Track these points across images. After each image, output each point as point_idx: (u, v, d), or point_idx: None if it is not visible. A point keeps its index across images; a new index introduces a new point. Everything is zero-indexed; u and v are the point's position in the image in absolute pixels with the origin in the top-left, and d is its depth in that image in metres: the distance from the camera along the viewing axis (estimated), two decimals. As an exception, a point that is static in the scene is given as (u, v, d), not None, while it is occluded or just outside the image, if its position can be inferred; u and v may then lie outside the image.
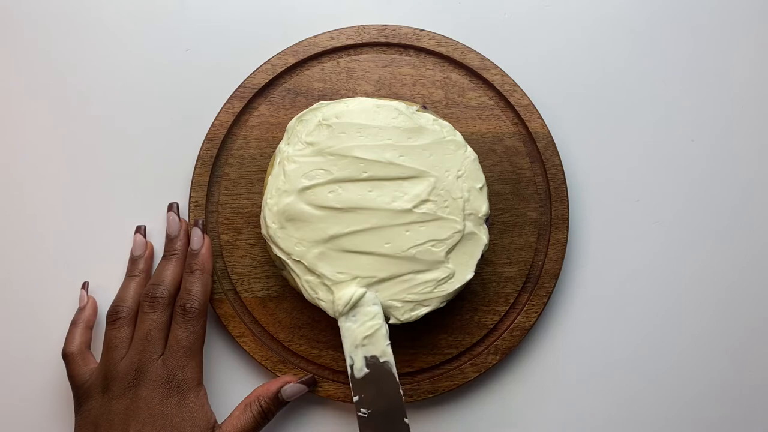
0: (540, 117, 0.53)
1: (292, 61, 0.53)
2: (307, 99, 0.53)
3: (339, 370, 0.52)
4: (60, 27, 0.55)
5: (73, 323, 0.51)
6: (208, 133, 0.53)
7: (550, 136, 0.53)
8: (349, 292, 0.45)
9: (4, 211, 0.54)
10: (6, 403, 0.53)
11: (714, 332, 0.55)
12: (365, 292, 0.46)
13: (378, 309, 0.46)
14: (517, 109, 0.53)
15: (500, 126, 0.53)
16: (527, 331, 0.52)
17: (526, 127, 0.53)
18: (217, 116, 0.53)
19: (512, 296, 0.52)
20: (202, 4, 0.56)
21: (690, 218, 0.55)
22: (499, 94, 0.53)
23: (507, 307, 0.52)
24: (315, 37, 0.53)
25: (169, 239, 0.51)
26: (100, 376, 0.48)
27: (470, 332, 0.52)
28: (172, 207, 0.52)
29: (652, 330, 0.54)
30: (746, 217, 0.55)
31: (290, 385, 0.50)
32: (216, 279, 0.52)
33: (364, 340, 0.45)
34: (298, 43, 0.53)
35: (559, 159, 0.53)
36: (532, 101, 0.53)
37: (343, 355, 0.52)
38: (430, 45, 0.53)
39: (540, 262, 0.53)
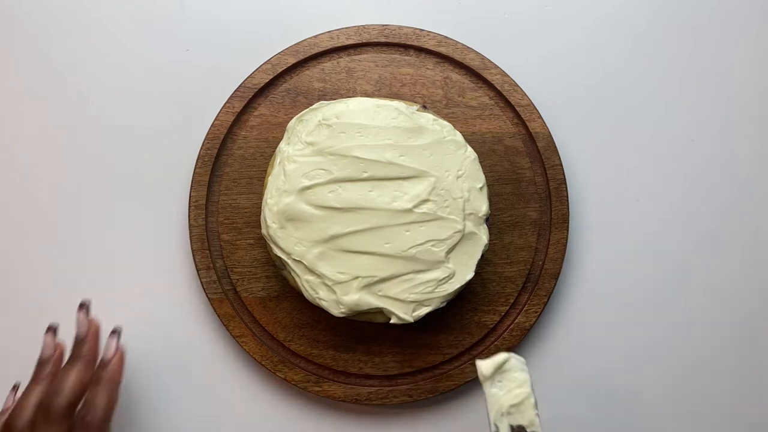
0: (540, 117, 0.53)
1: (292, 61, 0.53)
2: (307, 99, 0.53)
3: (339, 370, 0.52)
4: (60, 27, 0.55)
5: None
6: (208, 133, 0.53)
7: (550, 136, 0.53)
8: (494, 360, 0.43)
9: (3, 212, 0.54)
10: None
11: (714, 332, 0.55)
12: (510, 357, 0.43)
13: (526, 376, 0.43)
14: (517, 109, 0.53)
15: (500, 126, 0.53)
16: (527, 331, 0.52)
17: (526, 127, 0.53)
18: (217, 116, 0.53)
19: (512, 296, 0.52)
20: (202, 4, 0.56)
21: (690, 218, 0.55)
22: (499, 94, 0.53)
23: (507, 307, 0.52)
24: (315, 37, 0.53)
25: (77, 341, 0.47)
26: None
27: (470, 332, 0.52)
28: (83, 306, 0.48)
29: (652, 330, 0.54)
30: (747, 217, 0.55)
31: None
32: (216, 279, 0.52)
33: (511, 408, 0.43)
34: (298, 43, 0.53)
35: (559, 159, 0.53)
36: (532, 101, 0.53)
37: (344, 355, 0.52)
38: (430, 45, 0.53)
39: (540, 262, 0.53)
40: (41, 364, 0.47)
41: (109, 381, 0.45)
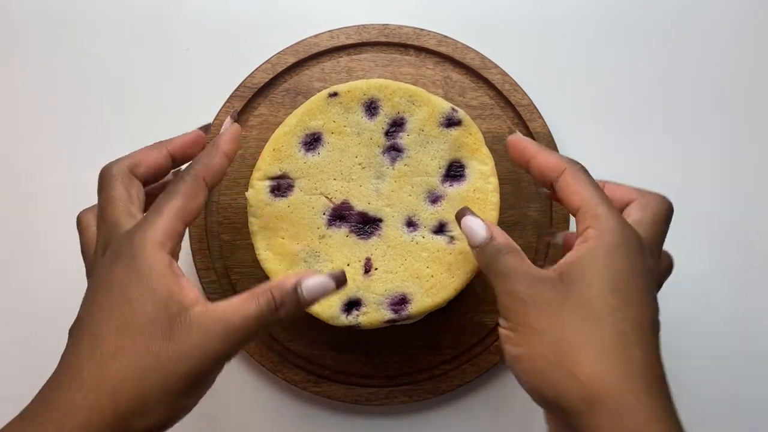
0: (540, 117, 0.53)
1: (292, 60, 0.53)
2: (307, 98, 0.53)
3: (339, 370, 0.52)
4: (59, 27, 0.55)
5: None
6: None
7: (551, 135, 0.53)
8: None
9: (3, 214, 0.54)
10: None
11: (714, 332, 0.54)
12: None
13: None
14: (517, 108, 0.53)
15: (501, 126, 0.53)
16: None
17: (526, 127, 0.53)
18: (216, 116, 0.53)
19: (512, 296, 0.52)
20: (202, 3, 0.56)
21: (690, 218, 0.55)
22: (500, 94, 0.53)
23: (507, 307, 0.52)
24: (315, 36, 0.53)
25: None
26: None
27: (470, 332, 0.52)
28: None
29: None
30: (747, 217, 0.55)
31: (313, 278, 0.37)
32: (216, 279, 0.52)
33: None
34: (298, 43, 0.53)
35: (560, 159, 0.53)
36: (532, 101, 0.53)
37: (344, 356, 0.52)
38: (430, 44, 0.53)
39: (540, 263, 0.53)
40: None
41: (212, 144, 0.40)
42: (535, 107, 0.53)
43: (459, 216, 0.40)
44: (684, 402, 0.38)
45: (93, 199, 0.56)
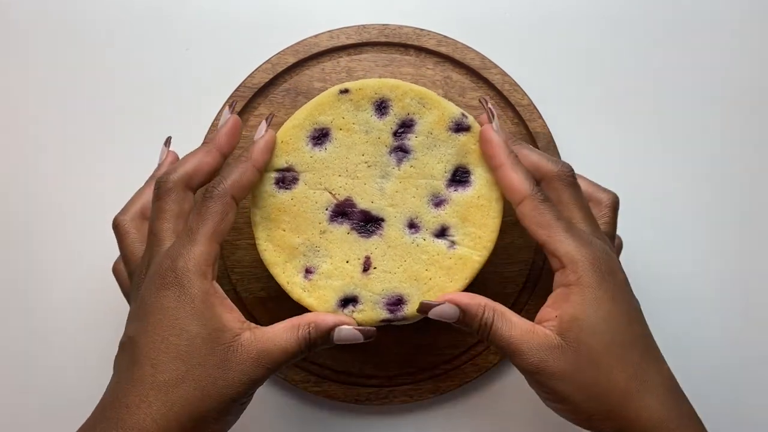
0: (540, 117, 0.53)
1: (292, 60, 0.53)
2: (307, 99, 0.53)
3: (339, 370, 0.52)
4: (59, 27, 0.55)
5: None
6: (208, 133, 0.53)
7: (551, 135, 0.53)
8: None
9: (2, 218, 0.54)
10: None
11: (715, 334, 0.55)
12: None
13: None
14: (517, 108, 0.53)
15: (500, 126, 0.53)
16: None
17: (526, 127, 0.53)
18: (217, 116, 0.53)
19: (512, 296, 0.52)
20: (202, 4, 0.56)
21: (691, 219, 0.55)
22: (500, 94, 0.53)
23: (507, 307, 0.52)
24: (315, 36, 0.53)
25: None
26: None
27: (470, 332, 0.52)
28: (232, 104, 0.46)
29: (651, 328, 0.54)
30: (748, 218, 0.55)
31: (348, 328, 0.42)
32: (216, 279, 0.52)
33: None
34: (298, 43, 0.53)
35: (559, 158, 0.53)
36: (532, 101, 0.53)
37: (344, 356, 0.52)
38: (430, 45, 0.53)
39: (540, 262, 0.53)
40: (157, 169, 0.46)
41: (246, 158, 0.42)
42: (535, 107, 0.53)
43: (423, 312, 0.42)
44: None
45: (91, 200, 0.57)
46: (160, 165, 0.47)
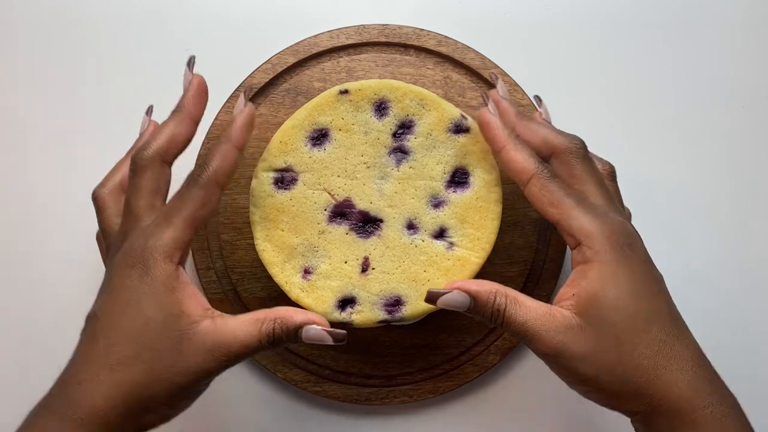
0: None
1: (292, 60, 0.53)
2: (307, 99, 0.53)
3: (339, 370, 0.52)
4: (59, 27, 0.55)
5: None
6: (208, 133, 0.53)
7: (551, 135, 0.53)
8: None
9: (3, 215, 0.54)
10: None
11: (715, 334, 0.54)
12: None
13: None
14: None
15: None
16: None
17: (526, 127, 0.53)
18: (216, 116, 0.53)
19: (512, 296, 0.52)
20: (201, 3, 0.56)
21: (691, 219, 0.55)
22: (500, 94, 0.53)
23: (507, 307, 0.52)
24: (315, 36, 0.53)
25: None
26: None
27: (470, 332, 0.52)
28: (190, 61, 0.45)
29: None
30: (748, 219, 0.55)
31: (316, 328, 0.40)
32: (216, 279, 0.52)
33: None
34: (298, 43, 0.53)
35: (560, 159, 0.53)
36: (533, 101, 0.53)
37: (344, 356, 0.52)
38: (430, 45, 0.53)
39: (540, 262, 0.53)
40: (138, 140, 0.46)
41: (225, 140, 0.41)
42: (536, 107, 0.53)
43: (431, 302, 0.40)
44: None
45: (89, 200, 0.57)
46: (141, 135, 0.46)
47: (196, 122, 0.43)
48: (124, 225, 0.41)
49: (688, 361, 0.38)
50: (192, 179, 0.40)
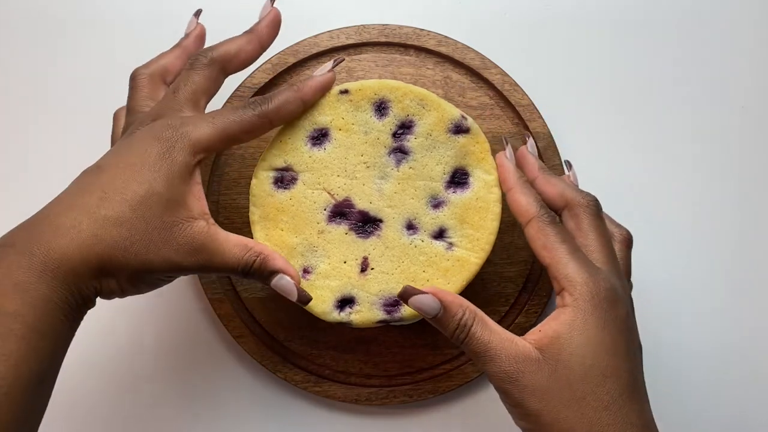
0: (540, 117, 0.53)
1: (292, 60, 0.53)
2: (307, 99, 0.53)
3: (339, 370, 0.52)
4: (59, 27, 0.55)
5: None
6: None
7: (551, 136, 0.53)
8: None
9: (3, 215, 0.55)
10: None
11: (715, 335, 0.54)
12: None
13: None
14: (517, 108, 0.53)
15: (501, 126, 0.53)
16: (527, 331, 0.52)
17: (526, 127, 0.53)
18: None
19: (512, 296, 0.52)
20: (202, 4, 0.56)
21: (691, 219, 0.55)
22: (500, 94, 0.53)
23: (507, 307, 0.52)
24: (315, 36, 0.53)
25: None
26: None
27: (470, 332, 0.52)
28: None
29: (651, 330, 0.54)
30: (749, 220, 0.55)
31: (288, 280, 0.41)
32: (216, 279, 0.52)
33: None
34: (298, 43, 0.53)
35: (560, 159, 0.53)
36: (532, 101, 0.53)
37: (344, 356, 0.52)
38: (430, 45, 0.53)
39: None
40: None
41: (296, 90, 0.44)
42: (535, 107, 0.53)
43: (404, 297, 0.40)
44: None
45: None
46: (187, 35, 0.47)
47: (264, 47, 0.45)
48: (161, 107, 0.41)
49: (635, 428, 0.37)
50: (252, 103, 0.42)
